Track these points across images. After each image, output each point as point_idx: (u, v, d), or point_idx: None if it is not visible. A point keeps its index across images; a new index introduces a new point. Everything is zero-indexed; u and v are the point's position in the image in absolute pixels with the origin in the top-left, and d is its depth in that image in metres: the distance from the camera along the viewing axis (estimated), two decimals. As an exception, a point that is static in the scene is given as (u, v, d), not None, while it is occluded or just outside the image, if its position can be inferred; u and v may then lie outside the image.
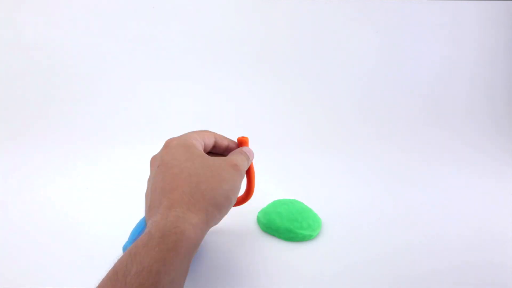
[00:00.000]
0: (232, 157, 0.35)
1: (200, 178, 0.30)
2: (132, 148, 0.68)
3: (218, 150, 0.39)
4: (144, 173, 0.61)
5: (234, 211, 0.49)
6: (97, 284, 0.25)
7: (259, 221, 0.47)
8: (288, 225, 0.44)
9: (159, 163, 0.32)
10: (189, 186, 0.29)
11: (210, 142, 0.37)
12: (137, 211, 0.41)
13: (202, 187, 0.30)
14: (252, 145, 0.72)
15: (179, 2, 0.80)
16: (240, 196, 0.41)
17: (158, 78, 0.80)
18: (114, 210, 0.50)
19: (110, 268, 0.25)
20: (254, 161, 0.62)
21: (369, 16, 0.84)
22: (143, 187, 0.56)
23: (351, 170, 0.65)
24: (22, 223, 0.46)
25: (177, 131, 0.73)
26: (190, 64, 0.81)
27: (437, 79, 0.87)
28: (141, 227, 0.37)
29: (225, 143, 0.39)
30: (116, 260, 0.26)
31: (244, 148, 0.38)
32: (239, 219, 0.48)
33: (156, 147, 0.69)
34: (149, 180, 0.34)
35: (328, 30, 0.84)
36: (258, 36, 0.83)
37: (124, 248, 0.36)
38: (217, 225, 0.43)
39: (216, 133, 0.38)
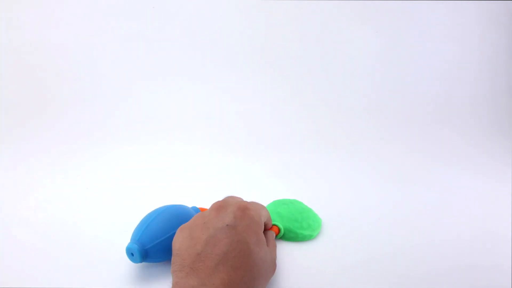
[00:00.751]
0: (274, 255, 0.37)
1: (260, 272, 0.31)
2: (132, 148, 0.69)
3: None
4: (144, 173, 0.61)
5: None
6: None
7: None
8: (288, 225, 0.44)
9: (229, 222, 0.32)
10: (250, 276, 0.30)
11: (264, 221, 0.38)
12: (138, 211, 0.41)
13: (257, 284, 0.31)
14: (252, 145, 0.72)
15: (180, 2, 0.80)
16: None
17: (158, 78, 0.80)
18: (115, 210, 0.50)
19: None
20: (255, 161, 0.63)
21: (372, 16, 0.84)
22: (144, 187, 0.56)
23: (351, 170, 0.65)
24: (22, 224, 0.46)
25: (177, 132, 0.74)
26: (192, 64, 0.81)
27: (439, 79, 0.87)
28: (143, 227, 0.37)
29: (267, 223, 0.40)
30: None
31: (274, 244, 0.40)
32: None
33: (156, 147, 0.69)
34: (203, 218, 0.33)
35: (332, 29, 0.84)
36: (260, 35, 0.83)
37: (128, 249, 0.36)
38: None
39: (269, 215, 0.40)
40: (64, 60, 0.77)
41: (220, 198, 0.50)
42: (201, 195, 0.50)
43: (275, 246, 0.38)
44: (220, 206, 0.34)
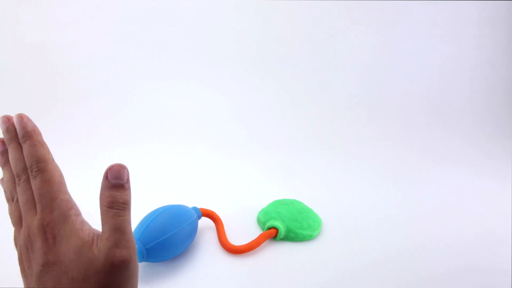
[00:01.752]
0: (111, 242, 0.25)
1: (99, 278, 0.24)
2: (132, 148, 0.68)
3: None
4: (145, 173, 0.61)
5: (234, 210, 0.49)
6: None
7: (259, 221, 0.48)
8: (288, 225, 0.44)
9: (43, 262, 0.25)
10: None
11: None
12: (138, 211, 0.41)
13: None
14: (253, 145, 0.72)
15: (179, 2, 0.80)
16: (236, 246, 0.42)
17: (158, 78, 0.80)
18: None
19: None
20: (255, 161, 0.62)
21: (370, 16, 0.84)
22: (145, 187, 0.56)
23: (351, 170, 0.65)
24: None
25: (178, 132, 0.74)
26: (191, 64, 0.81)
27: (438, 79, 0.87)
28: (143, 226, 0.38)
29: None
30: None
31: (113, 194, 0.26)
32: (239, 219, 0.48)
33: (157, 148, 0.69)
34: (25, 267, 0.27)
35: (329, 31, 0.84)
36: (258, 36, 0.83)
37: None
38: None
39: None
40: (63, 60, 0.77)
41: (220, 198, 0.51)
42: (201, 196, 0.50)
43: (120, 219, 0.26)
44: (27, 248, 0.27)
